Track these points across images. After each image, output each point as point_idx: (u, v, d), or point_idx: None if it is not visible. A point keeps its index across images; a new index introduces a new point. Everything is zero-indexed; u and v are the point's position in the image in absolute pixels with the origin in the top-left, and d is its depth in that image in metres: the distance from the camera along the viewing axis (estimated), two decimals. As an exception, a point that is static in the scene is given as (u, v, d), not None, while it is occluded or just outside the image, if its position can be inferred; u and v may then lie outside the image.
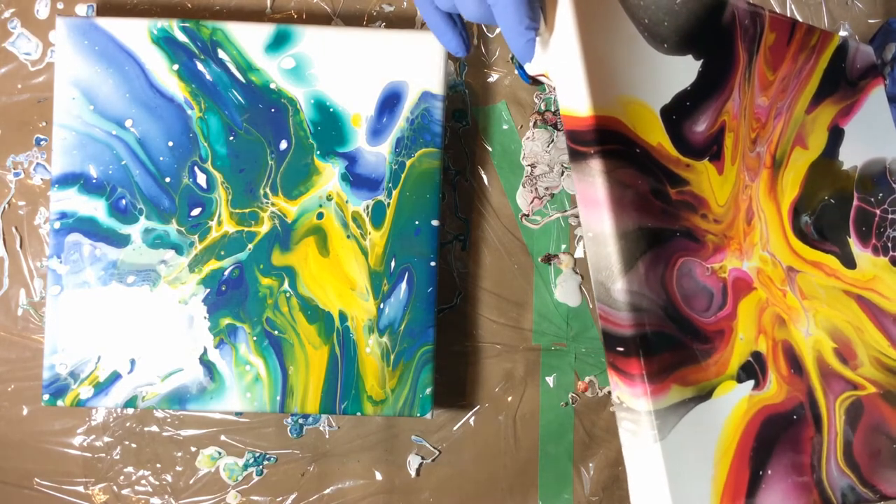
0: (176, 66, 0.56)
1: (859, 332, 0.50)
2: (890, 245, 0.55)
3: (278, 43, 0.57)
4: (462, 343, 0.63)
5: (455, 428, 0.63)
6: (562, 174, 0.64)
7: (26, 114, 0.61)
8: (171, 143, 0.56)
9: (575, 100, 0.40)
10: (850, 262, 0.52)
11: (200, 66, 0.56)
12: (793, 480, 0.42)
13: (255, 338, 0.56)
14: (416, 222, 0.57)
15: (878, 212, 0.55)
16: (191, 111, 0.56)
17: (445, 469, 0.63)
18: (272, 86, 0.57)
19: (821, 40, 0.54)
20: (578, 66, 0.39)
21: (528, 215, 0.64)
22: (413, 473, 0.62)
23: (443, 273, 0.63)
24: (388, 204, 0.57)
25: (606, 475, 0.64)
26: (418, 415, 0.57)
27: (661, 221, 0.42)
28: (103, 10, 0.62)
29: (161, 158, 0.56)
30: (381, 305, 0.57)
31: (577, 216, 0.64)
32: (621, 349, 0.39)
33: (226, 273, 0.56)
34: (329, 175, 0.57)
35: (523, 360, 0.64)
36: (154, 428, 0.61)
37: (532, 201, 0.64)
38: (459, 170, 0.64)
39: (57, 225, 0.55)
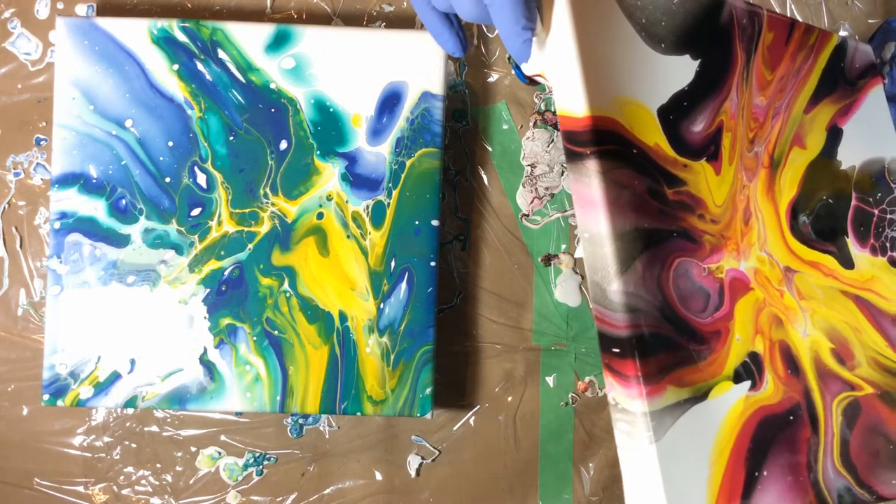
0: (176, 66, 0.56)
1: (857, 333, 0.50)
2: (888, 245, 0.54)
3: (278, 43, 0.57)
4: (462, 343, 0.63)
5: (455, 428, 0.63)
6: (562, 174, 0.64)
7: (26, 114, 0.61)
8: (171, 143, 0.56)
9: (571, 100, 0.40)
10: (847, 263, 0.52)
11: (200, 66, 0.56)
12: (789, 481, 0.42)
13: (255, 338, 0.56)
14: (416, 222, 0.57)
15: (876, 212, 0.55)
16: (191, 111, 0.56)
17: (445, 469, 0.63)
18: (272, 86, 0.57)
19: (819, 40, 0.53)
20: (575, 66, 0.39)
21: (528, 215, 0.64)
22: (413, 473, 0.63)
23: (443, 273, 0.63)
24: (388, 204, 0.57)
25: (606, 475, 0.64)
26: (418, 415, 0.57)
27: (657, 222, 0.42)
28: (103, 10, 0.62)
29: (161, 158, 0.56)
30: (381, 305, 0.57)
31: (576, 216, 0.64)
32: (617, 350, 0.39)
33: (226, 273, 0.56)
34: (329, 175, 0.57)
35: (523, 360, 0.64)
36: (154, 428, 0.61)
37: (532, 201, 0.64)
38: (459, 170, 0.64)
39: (57, 225, 0.56)
